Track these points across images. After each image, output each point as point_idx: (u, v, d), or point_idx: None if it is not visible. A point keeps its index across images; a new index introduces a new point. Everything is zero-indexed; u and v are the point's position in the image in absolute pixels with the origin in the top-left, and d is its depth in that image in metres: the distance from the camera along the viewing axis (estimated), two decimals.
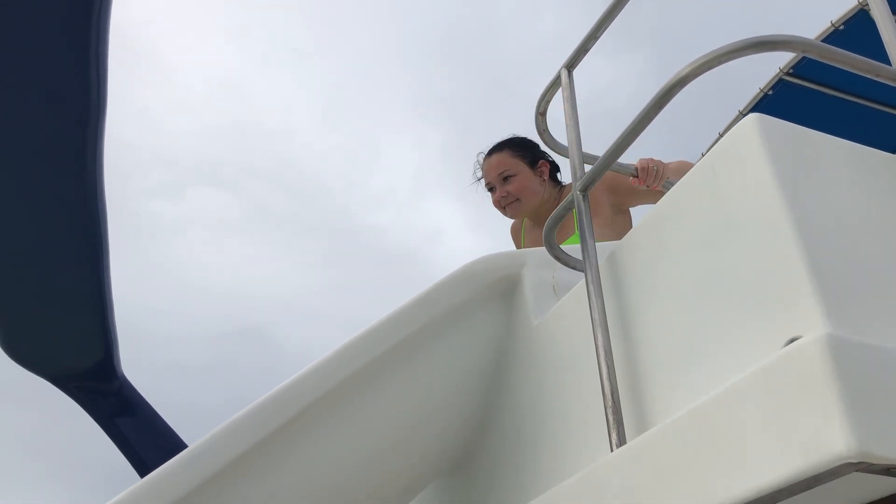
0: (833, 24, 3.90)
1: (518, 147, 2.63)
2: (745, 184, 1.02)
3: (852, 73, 1.16)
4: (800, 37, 1.11)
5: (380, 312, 1.54)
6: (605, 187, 2.44)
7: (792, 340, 0.80)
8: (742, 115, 4.50)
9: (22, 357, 2.77)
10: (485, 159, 2.68)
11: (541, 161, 2.63)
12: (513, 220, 2.83)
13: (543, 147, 2.09)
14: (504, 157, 2.62)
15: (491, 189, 2.65)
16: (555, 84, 1.62)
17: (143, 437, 2.91)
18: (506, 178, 2.59)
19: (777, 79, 4.34)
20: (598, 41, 1.53)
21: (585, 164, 1.45)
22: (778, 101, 4.37)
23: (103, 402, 2.91)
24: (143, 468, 2.81)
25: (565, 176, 2.76)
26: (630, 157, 1.97)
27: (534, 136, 2.70)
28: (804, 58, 3.92)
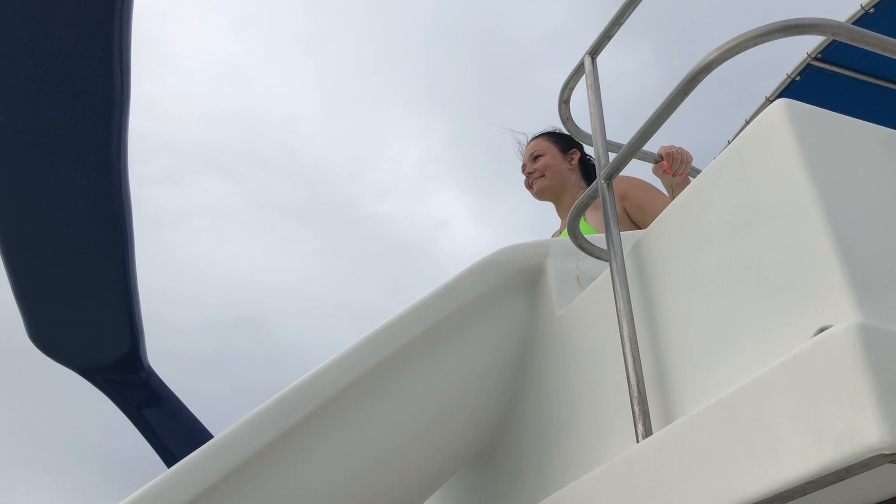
0: (863, 7, 3.82)
1: (553, 135, 2.82)
2: (773, 170, 1.00)
3: (883, 57, 1.13)
4: (830, 19, 1.08)
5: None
6: (617, 195, 2.45)
7: (822, 330, 0.79)
8: (769, 101, 4.43)
9: (50, 348, 2.81)
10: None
11: (573, 149, 2.77)
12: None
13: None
14: (539, 141, 2.81)
15: (524, 170, 2.80)
16: (578, 71, 1.60)
17: (169, 427, 2.94)
18: (535, 158, 2.75)
19: (805, 64, 4.26)
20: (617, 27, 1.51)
21: (610, 153, 1.43)
22: (806, 87, 4.29)
23: (131, 393, 2.94)
24: (170, 459, 2.84)
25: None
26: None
27: (550, 124, 2.74)
28: (833, 42, 3.85)
